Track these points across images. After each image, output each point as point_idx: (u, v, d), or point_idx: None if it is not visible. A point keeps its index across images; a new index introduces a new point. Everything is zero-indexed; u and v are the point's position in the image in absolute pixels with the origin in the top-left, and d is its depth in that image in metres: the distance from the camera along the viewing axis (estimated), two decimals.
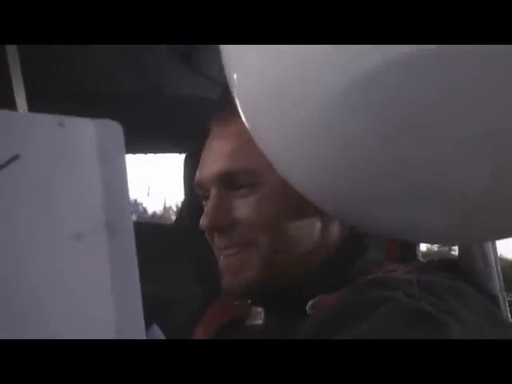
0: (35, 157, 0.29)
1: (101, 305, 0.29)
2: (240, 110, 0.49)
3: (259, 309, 0.73)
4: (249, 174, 0.65)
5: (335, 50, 0.36)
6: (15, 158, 0.28)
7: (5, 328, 0.27)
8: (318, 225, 0.68)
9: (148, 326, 0.90)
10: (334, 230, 0.69)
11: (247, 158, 0.65)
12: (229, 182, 0.67)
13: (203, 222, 0.68)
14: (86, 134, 0.29)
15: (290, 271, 0.67)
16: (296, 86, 0.39)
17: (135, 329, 0.30)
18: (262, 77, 0.43)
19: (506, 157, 0.38)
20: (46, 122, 0.29)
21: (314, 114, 0.39)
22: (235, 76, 0.46)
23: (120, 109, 1.25)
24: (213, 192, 0.68)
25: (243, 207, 0.67)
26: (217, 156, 0.69)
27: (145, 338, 0.30)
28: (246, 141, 0.56)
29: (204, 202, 0.72)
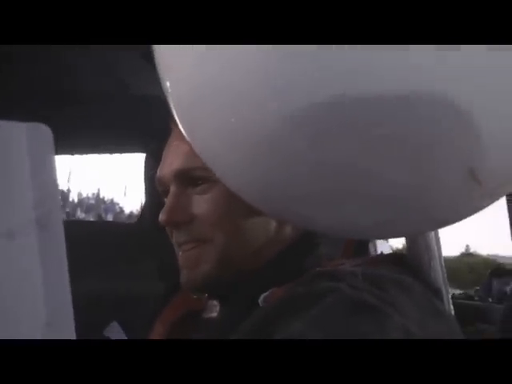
0: None
1: (32, 300, 0.31)
2: (175, 117, 0.51)
3: (215, 302, 0.75)
4: (205, 171, 0.65)
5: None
6: None
7: None
8: (271, 221, 0.70)
9: (109, 322, 0.92)
10: (287, 226, 0.71)
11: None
12: (186, 178, 0.69)
13: (162, 217, 0.70)
14: (16, 136, 0.31)
15: (244, 265, 0.69)
16: (224, 94, 0.41)
17: (65, 322, 0.32)
18: (192, 86, 0.44)
19: (422, 157, 0.41)
20: None
21: (245, 121, 0.41)
22: (168, 84, 0.48)
23: (85, 108, 1.26)
24: (172, 189, 0.71)
25: (200, 204, 0.69)
26: (175, 154, 0.71)
27: (73, 331, 0.32)
28: None
29: (165, 199, 0.74)
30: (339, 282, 0.57)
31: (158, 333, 0.80)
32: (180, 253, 0.71)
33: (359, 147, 0.40)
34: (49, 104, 1.22)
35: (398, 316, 0.53)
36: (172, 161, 0.71)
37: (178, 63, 0.45)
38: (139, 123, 1.28)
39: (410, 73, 0.37)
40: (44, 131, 0.32)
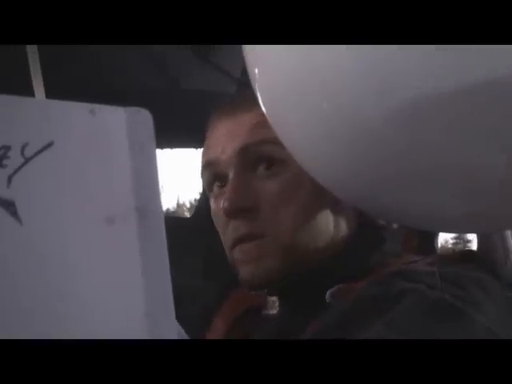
0: (68, 144, 0.29)
1: (131, 288, 0.30)
2: (261, 104, 0.49)
3: (274, 298, 0.73)
4: (276, 146, 0.60)
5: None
6: (49, 145, 0.29)
7: (43, 306, 0.28)
8: (340, 215, 0.68)
9: None
10: (352, 221, 0.69)
11: (267, 130, 0.59)
12: (253, 157, 0.64)
13: (225, 205, 0.63)
14: (117, 121, 0.30)
15: (310, 260, 0.66)
16: (317, 80, 0.40)
17: (165, 312, 0.31)
18: (283, 72, 0.43)
19: None
20: (78, 110, 0.30)
21: (334, 105, 0.40)
22: (256, 70, 0.47)
23: (136, 103, 1.26)
24: (233, 171, 0.65)
25: (268, 189, 0.64)
26: (233, 133, 0.65)
27: (174, 321, 0.31)
28: (261, 117, 0.55)
29: (212, 192, 0.70)
30: (416, 282, 0.54)
31: (218, 329, 0.79)
32: (237, 247, 0.67)
33: (460, 138, 0.38)
34: (99, 99, 1.23)
35: (481, 317, 0.51)
36: (232, 139, 0.65)
37: (269, 51, 0.43)
38: (190, 118, 1.28)
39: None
40: (144, 116, 0.31)
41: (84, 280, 0.29)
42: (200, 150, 1.36)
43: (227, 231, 0.67)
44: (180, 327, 0.85)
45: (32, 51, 0.80)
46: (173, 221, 1.49)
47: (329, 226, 0.67)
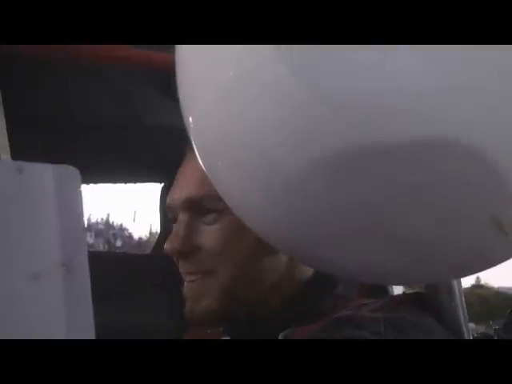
0: None
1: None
2: (196, 153, 0.50)
3: (228, 338, 0.73)
4: (215, 201, 0.62)
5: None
6: None
7: None
8: (283, 258, 0.68)
9: None
10: (301, 265, 0.70)
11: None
12: (196, 207, 0.67)
13: (167, 246, 0.67)
14: (45, 179, 0.31)
15: (252, 301, 0.67)
16: (240, 129, 0.41)
17: None
18: (211, 121, 0.44)
19: (450, 204, 0.40)
20: (5, 167, 0.30)
21: (257, 155, 0.41)
22: (190, 119, 0.47)
23: (100, 137, 1.26)
24: (180, 217, 0.68)
25: (207, 234, 0.66)
26: (186, 181, 0.69)
27: None
28: None
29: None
30: (362, 329, 0.56)
31: None
32: (185, 283, 0.69)
33: (384, 191, 0.39)
34: (61, 134, 1.23)
35: None
36: (182, 188, 0.69)
37: (202, 98, 0.44)
38: (152, 154, 1.28)
39: (428, 118, 0.36)
40: (71, 172, 0.31)
41: (7, 336, 0.29)
42: (161, 185, 1.37)
43: (179, 267, 0.69)
44: None
45: None
46: (134, 259, 1.49)
47: (280, 269, 0.68)
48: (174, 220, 0.71)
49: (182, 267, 0.68)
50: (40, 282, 0.30)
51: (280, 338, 0.63)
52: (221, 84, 0.42)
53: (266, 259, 0.67)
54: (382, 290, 0.84)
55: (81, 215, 0.31)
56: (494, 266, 0.49)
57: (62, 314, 0.31)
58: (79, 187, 0.32)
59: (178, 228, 0.68)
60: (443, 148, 0.37)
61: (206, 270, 0.66)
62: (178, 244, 0.66)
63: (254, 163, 0.41)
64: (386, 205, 0.40)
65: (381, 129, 0.37)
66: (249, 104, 0.40)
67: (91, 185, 1.44)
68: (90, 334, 0.31)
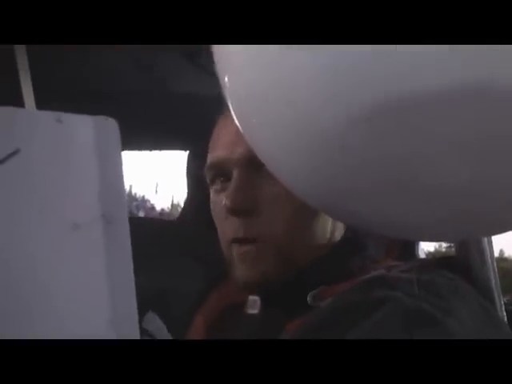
0: (34, 151, 0.30)
1: (95, 294, 0.31)
2: (232, 112, 0.50)
3: (255, 297, 0.73)
4: None
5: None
6: (15, 152, 0.29)
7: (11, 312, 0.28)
8: (329, 221, 0.68)
9: (144, 313, 0.92)
10: (339, 226, 0.70)
11: None
12: (257, 164, 0.61)
13: (227, 202, 0.64)
14: (84, 130, 0.31)
15: (301, 263, 0.66)
16: (288, 91, 0.40)
17: (129, 320, 0.31)
18: (248, 80, 0.44)
19: (486, 155, 0.39)
20: (45, 118, 0.30)
21: (296, 114, 0.40)
22: (226, 78, 0.47)
23: (123, 106, 1.26)
24: (237, 172, 0.66)
25: (269, 195, 0.65)
26: (236, 138, 0.64)
27: (137, 329, 0.31)
28: None
29: (214, 185, 0.71)
30: (394, 290, 0.55)
31: (197, 326, 0.79)
32: (236, 246, 0.68)
33: (422, 144, 0.39)
34: (87, 104, 1.23)
35: (459, 326, 0.52)
36: (236, 141, 0.65)
37: (237, 57, 0.44)
38: (177, 121, 1.28)
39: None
40: (111, 124, 0.31)
41: (48, 286, 0.30)
42: (186, 153, 1.37)
43: (225, 225, 0.68)
44: (162, 324, 0.85)
45: (21, 53, 0.80)
46: (159, 223, 1.50)
47: (325, 229, 0.68)
48: (225, 176, 0.68)
49: (237, 230, 0.66)
50: (80, 232, 0.30)
51: (309, 297, 0.63)
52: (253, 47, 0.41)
53: (320, 222, 0.67)
54: (409, 253, 0.84)
55: (120, 167, 0.31)
56: None
57: (102, 265, 0.31)
58: (118, 139, 0.31)
59: (239, 183, 0.66)
60: (480, 97, 0.36)
61: (265, 234, 0.65)
62: (240, 200, 0.64)
63: (290, 119, 0.41)
64: (423, 157, 0.40)
65: (419, 80, 0.36)
66: (284, 58, 0.39)
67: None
68: (129, 286, 0.31)
